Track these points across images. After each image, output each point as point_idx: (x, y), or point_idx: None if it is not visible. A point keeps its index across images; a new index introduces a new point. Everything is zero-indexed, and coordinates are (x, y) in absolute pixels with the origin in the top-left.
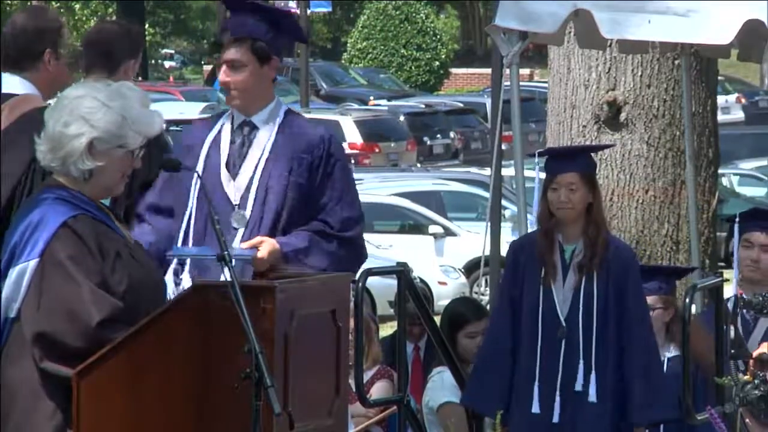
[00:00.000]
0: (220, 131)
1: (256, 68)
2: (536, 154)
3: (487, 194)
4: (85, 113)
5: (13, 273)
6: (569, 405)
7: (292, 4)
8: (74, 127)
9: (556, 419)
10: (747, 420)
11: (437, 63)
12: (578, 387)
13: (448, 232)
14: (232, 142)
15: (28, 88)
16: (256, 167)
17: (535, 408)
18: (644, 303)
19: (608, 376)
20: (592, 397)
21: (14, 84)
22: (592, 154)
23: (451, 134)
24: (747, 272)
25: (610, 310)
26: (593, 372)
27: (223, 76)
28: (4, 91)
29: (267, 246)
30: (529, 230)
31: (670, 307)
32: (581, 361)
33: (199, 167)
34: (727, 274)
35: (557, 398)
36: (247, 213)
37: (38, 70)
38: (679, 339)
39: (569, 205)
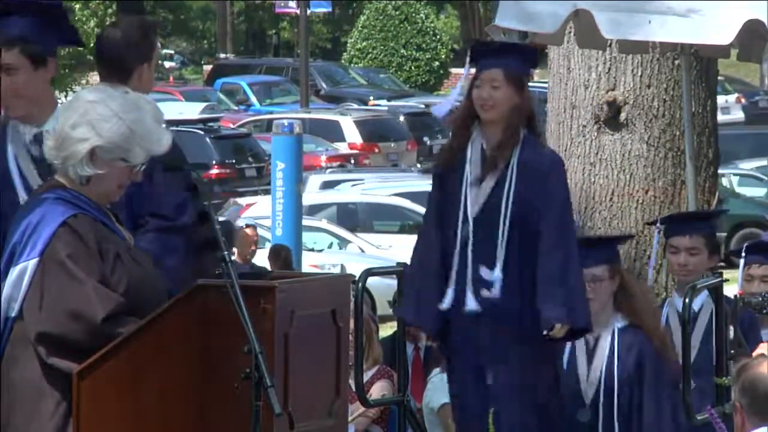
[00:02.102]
0: (6, 150)
1: (30, 72)
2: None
3: None
4: (95, 120)
5: (13, 272)
6: (481, 303)
7: (292, 4)
8: (80, 130)
9: (472, 307)
10: None
11: (437, 63)
12: (484, 292)
13: None
14: (36, 159)
15: None
16: None
17: (446, 304)
18: (567, 214)
19: (515, 276)
20: (496, 293)
21: None
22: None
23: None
24: (680, 277)
25: (521, 213)
26: (496, 270)
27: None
28: None
29: None
30: None
31: (616, 275)
32: (497, 264)
33: (22, 193)
34: (727, 274)
35: (468, 293)
36: None
37: None
38: (625, 308)
39: (491, 102)
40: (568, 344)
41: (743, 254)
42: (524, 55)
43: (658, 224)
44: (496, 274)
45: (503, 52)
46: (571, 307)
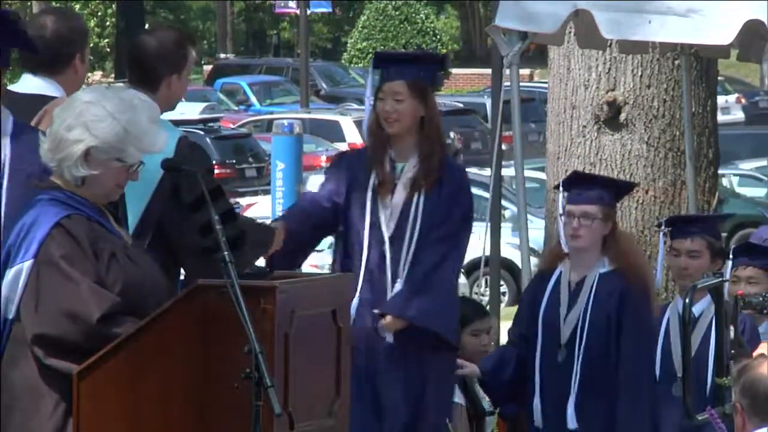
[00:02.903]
0: None
1: None
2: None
3: (487, 194)
4: (89, 121)
5: (9, 274)
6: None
7: (292, 4)
8: (75, 132)
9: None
10: None
11: None
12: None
13: None
14: None
15: (60, 91)
16: None
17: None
18: (463, 227)
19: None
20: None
21: (50, 88)
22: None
23: (451, 134)
24: (680, 281)
25: (428, 228)
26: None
27: None
28: (39, 93)
29: None
30: (529, 231)
31: (609, 221)
32: (398, 280)
33: None
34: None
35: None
36: None
37: (67, 73)
38: (613, 254)
39: (395, 115)
40: (548, 288)
41: (730, 256)
42: (428, 65)
43: (663, 227)
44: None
45: (406, 62)
46: (414, 305)
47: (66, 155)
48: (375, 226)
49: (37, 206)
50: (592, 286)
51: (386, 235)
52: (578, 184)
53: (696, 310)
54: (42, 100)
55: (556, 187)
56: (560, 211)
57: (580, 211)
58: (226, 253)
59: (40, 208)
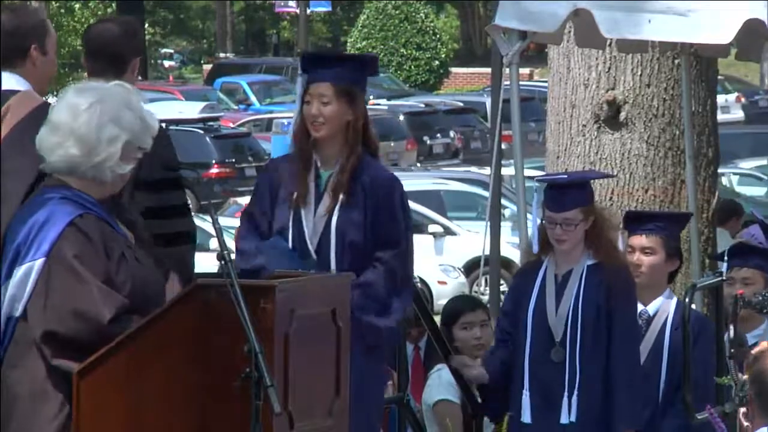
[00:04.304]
0: None
1: None
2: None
3: (487, 194)
4: (114, 117)
5: (18, 272)
6: None
7: (292, 4)
8: (107, 130)
9: None
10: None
11: (437, 62)
12: None
13: (448, 232)
14: None
15: (25, 84)
16: None
17: None
18: (403, 233)
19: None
20: None
21: (11, 81)
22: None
23: (451, 134)
24: (635, 279)
25: (368, 241)
26: None
27: None
28: (6, 88)
29: None
30: (529, 231)
31: (590, 216)
32: None
33: None
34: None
35: None
36: None
37: (26, 65)
38: (596, 246)
39: (320, 119)
40: (536, 285)
41: (725, 257)
42: (356, 65)
43: (621, 225)
44: None
45: (332, 63)
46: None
47: (108, 155)
48: (299, 239)
49: (48, 205)
50: (581, 279)
51: (311, 249)
52: (554, 190)
53: (649, 309)
54: (8, 95)
55: (531, 178)
56: (535, 207)
57: (561, 218)
58: (225, 251)
59: (53, 207)
